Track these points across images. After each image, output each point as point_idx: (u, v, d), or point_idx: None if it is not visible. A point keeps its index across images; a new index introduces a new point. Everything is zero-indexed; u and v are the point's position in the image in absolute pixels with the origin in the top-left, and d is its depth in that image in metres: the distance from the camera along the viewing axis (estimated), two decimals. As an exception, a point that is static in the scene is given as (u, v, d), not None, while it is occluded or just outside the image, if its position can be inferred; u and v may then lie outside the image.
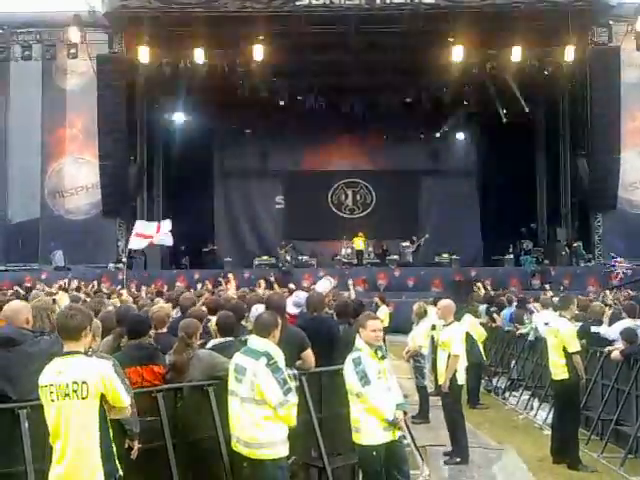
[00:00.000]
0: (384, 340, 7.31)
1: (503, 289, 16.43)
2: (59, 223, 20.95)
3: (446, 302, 7.68)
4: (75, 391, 3.53)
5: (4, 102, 21.43)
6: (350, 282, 11.81)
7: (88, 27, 20.06)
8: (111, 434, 3.69)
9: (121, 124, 19.77)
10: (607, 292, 15.22)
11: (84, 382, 3.54)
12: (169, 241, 16.30)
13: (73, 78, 20.83)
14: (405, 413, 4.98)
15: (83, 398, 3.54)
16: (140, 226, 16.41)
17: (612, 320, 8.29)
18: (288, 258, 21.85)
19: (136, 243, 16.15)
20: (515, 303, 12.06)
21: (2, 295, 8.90)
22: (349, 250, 22.88)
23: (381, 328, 4.98)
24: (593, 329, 8.26)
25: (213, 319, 6.05)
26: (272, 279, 14.48)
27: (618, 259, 19.41)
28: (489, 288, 15.91)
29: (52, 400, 3.57)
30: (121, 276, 17.93)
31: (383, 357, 4.91)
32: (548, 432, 7.82)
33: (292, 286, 12.41)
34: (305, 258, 22.78)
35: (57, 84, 21.01)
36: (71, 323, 3.69)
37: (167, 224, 16.10)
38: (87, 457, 3.54)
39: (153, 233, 15.87)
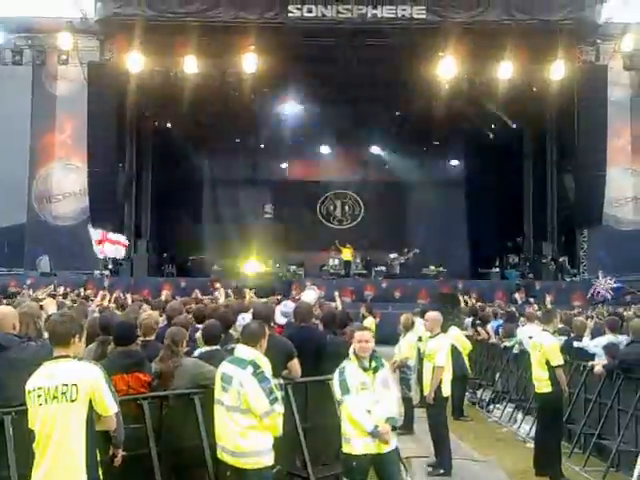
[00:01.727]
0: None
1: (489, 302, 16.52)
2: (46, 229, 20.84)
3: (433, 314, 7.74)
4: (64, 393, 3.53)
5: (-7, 106, 21.35)
6: (336, 293, 11.84)
7: (80, 33, 20.05)
8: (96, 444, 3.67)
9: (111, 131, 19.70)
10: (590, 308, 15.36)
11: (74, 384, 3.55)
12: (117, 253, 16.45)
13: (63, 84, 20.78)
14: (394, 428, 4.88)
15: (72, 401, 3.54)
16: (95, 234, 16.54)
17: (594, 334, 8.38)
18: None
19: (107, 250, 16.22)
20: (500, 317, 12.13)
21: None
22: (337, 261, 22.95)
23: (368, 339, 4.96)
24: (576, 344, 8.35)
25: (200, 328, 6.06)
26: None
27: (601, 279, 19.42)
28: (473, 301, 15.99)
29: (40, 404, 3.56)
30: (107, 282, 17.87)
31: (375, 369, 4.89)
32: (531, 445, 7.87)
33: (279, 296, 12.41)
34: (293, 268, 22.80)
35: (47, 89, 20.95)
36: (60, 329, 3.72)
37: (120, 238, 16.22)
38: (69, 463, 3.50)
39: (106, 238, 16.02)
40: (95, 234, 16.74)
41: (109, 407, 3.69)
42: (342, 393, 4.82)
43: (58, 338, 3.72)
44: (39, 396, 3.57)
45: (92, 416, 3.63)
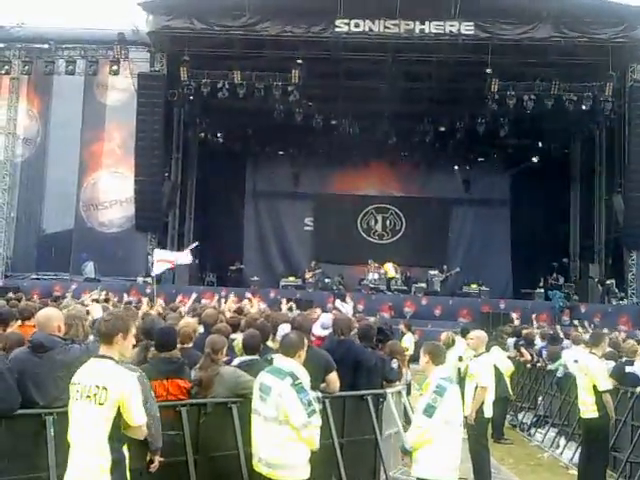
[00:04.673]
0: (408, 368, 7.25)
1: (532, 324, 16.13)
2: (92, 235, 21.29)
3: (479, 332, 7.58)
4: (95, 394, 3.58)
5: (46, 115, 22.00)
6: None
7: (131, 45, 20.55)
8: (125, 447, 3.67)
9: (158, 141, 20.05)
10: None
11: (105, 388, 3.58)
12: (187, 260, 16.57)
13: (114, 94, 21.30)
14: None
15: (100, 404, 3.57)
16: (159, 254, 16.66)
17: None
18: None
19: (158, 268, 16.39)
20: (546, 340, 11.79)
21: (32, 302, 9.02)
22: (376, 275, 22.75)
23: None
24: (627, 369, 8.04)
25: (236, 336, 6.05)
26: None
27: None
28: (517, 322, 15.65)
29: (76, 399, 3.64)
30: (149, 290, 18.08)
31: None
32: (574, 472, 7.63)
33: (318, 310, 12.34)
34: (338, 279, 22.72)
35: (98, 99, 21.50)
36: (104, 327, 3.78)
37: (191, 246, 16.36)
38: (91, 465, 3.53)
39: (173, 258, 16.20)
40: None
41: (135, 417, 3.66)
42: None
43: (102, 336, 3.78)
44: (77, 391, 3.64)
45: (119, 421, 3.62)
